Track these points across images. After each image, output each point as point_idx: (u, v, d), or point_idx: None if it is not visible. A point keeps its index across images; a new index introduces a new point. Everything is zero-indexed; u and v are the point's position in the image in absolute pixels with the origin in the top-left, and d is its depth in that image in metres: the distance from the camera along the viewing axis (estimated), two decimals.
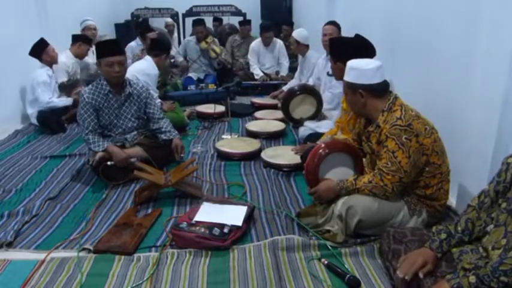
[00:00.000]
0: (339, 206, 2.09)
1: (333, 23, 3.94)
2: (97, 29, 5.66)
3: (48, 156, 3.49)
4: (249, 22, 6.55)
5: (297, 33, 4.70)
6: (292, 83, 4.87)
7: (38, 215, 2.47)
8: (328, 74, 3.79)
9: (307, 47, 4.72)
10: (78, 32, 5.33)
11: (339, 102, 3.24)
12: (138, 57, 4.97)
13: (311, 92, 3.92)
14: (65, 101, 4.36)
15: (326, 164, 2.31)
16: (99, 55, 2.91)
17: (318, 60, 4.25)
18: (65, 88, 4.57)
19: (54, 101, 4.23)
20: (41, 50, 4.21)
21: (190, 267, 1.98)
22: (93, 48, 5.40)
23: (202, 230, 2.13)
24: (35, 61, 4.23)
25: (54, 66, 4.40)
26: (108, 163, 2.86)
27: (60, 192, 2.78)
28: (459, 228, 1.64)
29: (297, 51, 4.94)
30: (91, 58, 5.27)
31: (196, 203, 2.50)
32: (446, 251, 1.63)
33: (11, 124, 4.26)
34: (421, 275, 1.55)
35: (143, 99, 3.11)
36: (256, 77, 5.73)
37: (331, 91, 3.68)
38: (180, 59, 6.34)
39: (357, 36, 2.64)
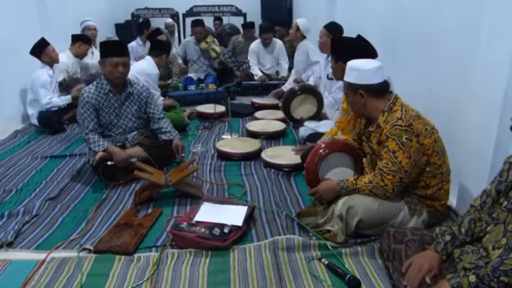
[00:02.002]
0: (339, 206, 2.09)
1: (326, 26, 3.94)
2: (97, 29, 5.66)
3: (48, 156, 3.49)
4: (252, 26, 6.51)
5: (301, 21, 4.87)
6: (290, 81, 4.91)
7: (38, 215, 2.47)
8: (328, 77, 3.79)
9: (303, 37, 4.84)
10: (78, 32, 5.33)
11: (339, 108, 3.24)
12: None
13: (312, 92, 3.91)
14: (65, 99, 4.34)
15: (326, 164, 2.31)
16: (104, 54, 2.91)
17: (320, 59, 4.25)
18: (65, 86, 4.56)
19: (54, 101, 4.22)
20: (40, 50, 4.20)
21: (191, 267, 1.98)
22: (93, 48, 5.43)
23: (203, 230, 2.12)
24: (35, 61, 4.23)
25: (54, 65, 4.40)
26: (109, 163, 2.86)
27: (60, 192, 2.78)
28: (463, 230, 1.64)
29: (292, 36, 5.02)
30: (90, 58, 5.27)
31: (196, 203, 2.49)
32: (451, 253, 1.63)
33: (11, 124, 4.26)
34: (428, 280, 1.56)
35: (143, 99, 3.11)
36: (255, 77, 5.73)
37: (333, 96, 3.66)
38: (179, 61, 6.32)
39: (359, 36, 2.64)
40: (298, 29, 4.81)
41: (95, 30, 5.59)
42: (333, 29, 3.86)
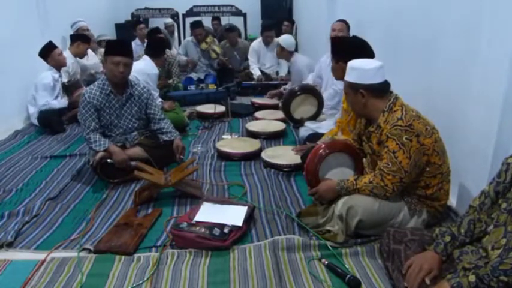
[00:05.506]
0: (339, 206, 2.09)
1: (342, 20, 3.93)
2: (89, 29, 5.61)
3: (48, 156, 3.49)
4: (234, 29, 6.48)
5: (283, 39, 4.68)
6: (289, 86, 4.90)
7: (38, 215, 2.47)
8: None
9: (291, 53, 4.70)
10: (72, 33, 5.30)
11: (340, 101, 3.23)
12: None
13: (312, 92, 3.91)
14: (62, 102, 4.34)
15: (326, 165, 2.31)
16: (108, 52, 2.92)
17: (321, 58, 4.23)
18: (67, 88, 4.57)
19: (50, 103, 4.22)
20: (47, 53, 4.22)
21: (191, 268, 1.98)
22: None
23: (203, 230, 2.13)
24: (36, 62, 4.23)
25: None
26: (108, 161, 2.86)
27: (60, 192, 2.78)
28: (462, 231, 1.64)
29: (279, 56, 4.90)
30: (85, 59, 5.23)
31: (196, 203, 2.49)
32: (451, 254, 1.63)
33: (11, 124, 4.26)
34: (427, 281, 1.56)
35: (144, 100, 3.12)
36: (253, 77, 5.74)
37: (334, 87, 3.66)
38: (183, 58, 6.33)
39: (354, 37, 2.64)
40: (283, 48, 4.64)
41: (87, 31, 5.53)
42: (347, 23, 3.84)
